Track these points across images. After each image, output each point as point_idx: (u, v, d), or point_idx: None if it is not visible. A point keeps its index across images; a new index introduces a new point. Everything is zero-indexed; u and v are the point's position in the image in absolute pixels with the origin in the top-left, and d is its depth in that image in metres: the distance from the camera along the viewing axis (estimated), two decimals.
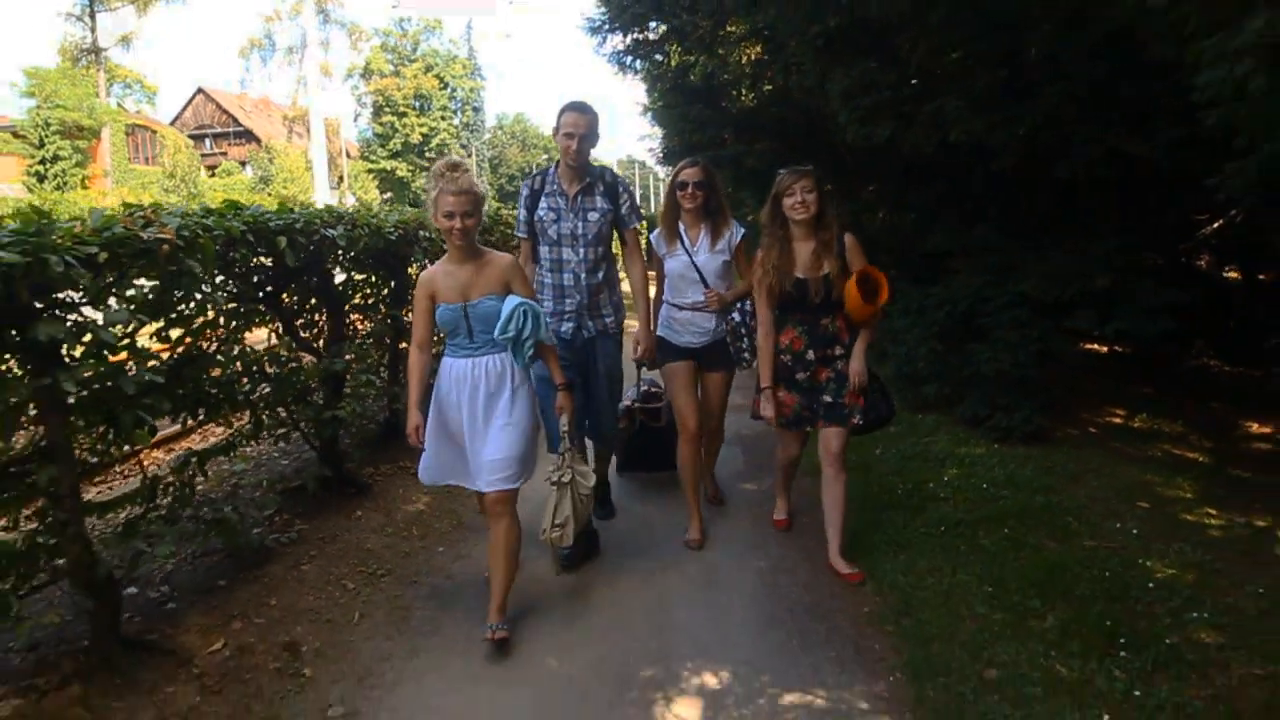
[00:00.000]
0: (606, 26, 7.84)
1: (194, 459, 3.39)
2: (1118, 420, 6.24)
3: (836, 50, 4.86)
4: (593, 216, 4.13)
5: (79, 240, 2.53)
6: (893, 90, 4.60)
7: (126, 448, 2.97)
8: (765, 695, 2.95)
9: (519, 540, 3.43)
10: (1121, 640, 3.04)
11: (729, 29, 6.48)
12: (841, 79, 4.83)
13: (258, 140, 49.17)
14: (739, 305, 4.37)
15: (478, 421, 3.33)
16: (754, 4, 5.02)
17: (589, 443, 4.26)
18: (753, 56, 6.95)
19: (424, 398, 3.39)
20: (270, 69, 68.47)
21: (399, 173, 52.35)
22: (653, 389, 5.11)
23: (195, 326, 3.22)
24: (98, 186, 35.34)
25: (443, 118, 54.93)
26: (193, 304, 3.16)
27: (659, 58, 8.06)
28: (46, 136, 32.88)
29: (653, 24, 7.70)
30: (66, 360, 2.55)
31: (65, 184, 33.29)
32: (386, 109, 52.81)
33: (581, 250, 4.12)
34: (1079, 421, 6.12)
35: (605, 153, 76.54)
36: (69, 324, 2.51)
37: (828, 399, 3.93)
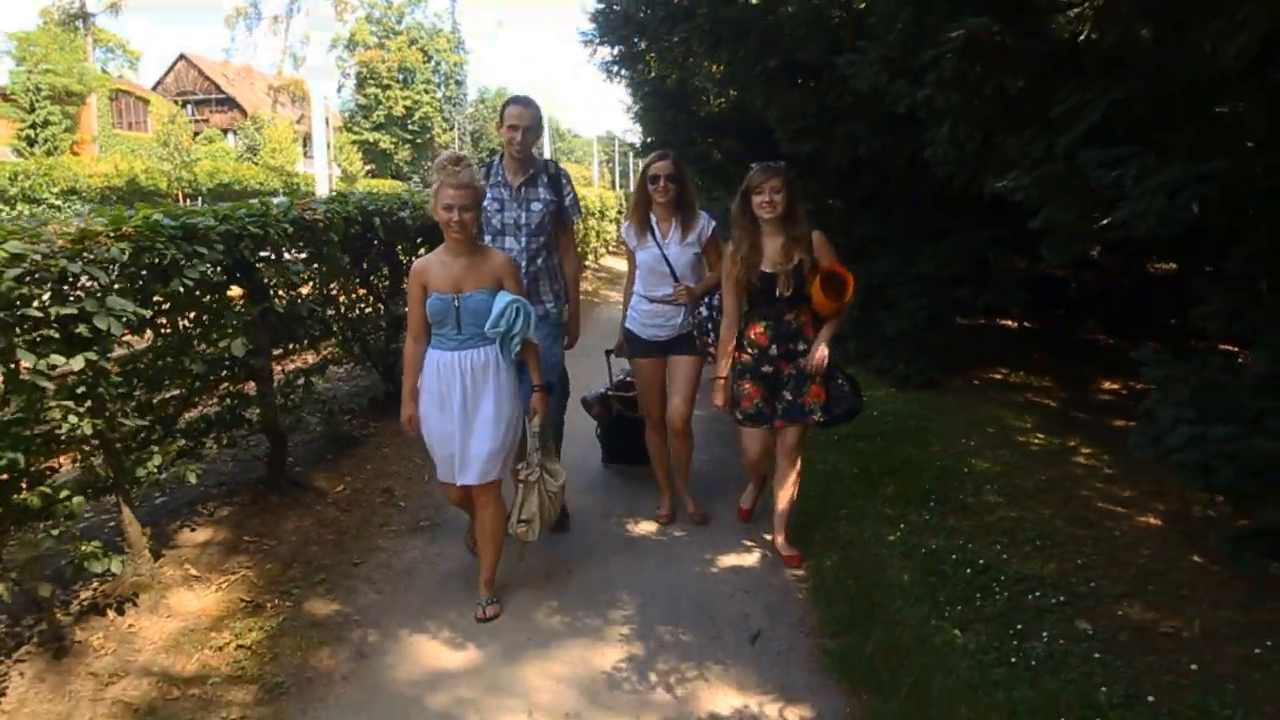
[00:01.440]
0: (596, 40, 9.38)
1: (312, 372, 4.99)
2: (999, 376, 7.92)
3: (775, 82, 6.46)
4: (535, 207, 4.31)
5: (276, 220, 4.08)
6: (815, 116, 6.20)
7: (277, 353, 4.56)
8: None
9: (505, 522, 3.69)
10: (933, 499, 4.70)
11: (697, 49, 8.03)
12: (778, 105, 6.45)
13: (240, 108, 50.05)
14: (707, 299, 4.49)
15: (464, 413, 3.46)
16: (715, 46, 6.60)
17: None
18: (716, 72, 8.52)
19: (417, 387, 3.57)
20: (255, 37, 68.85)
21: (382, 145, 53.50)
22: (628, 378, 5.15)
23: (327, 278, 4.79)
24: (86, 151, 36.32)
25: (426, 91, 56.10)
26: (327, 264, 4.71)
27: (640, 67, 9.64)
28: (37, 101, 33.84)
29: (635, 40, 9.25)
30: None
31: (55, 148, 34.28)
32: (371, 81, 53.86)
33: (524, 239, 4.27)
34: (969, 376, 7.79)
35: (587, 128, 77.67)
36: (272, 270, 4.08)
37: (788, 396, 4.07)
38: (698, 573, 4.11)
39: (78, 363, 2.74)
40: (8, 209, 28.07)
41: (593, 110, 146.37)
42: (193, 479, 3.63)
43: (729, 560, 4.28)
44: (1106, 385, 8.02)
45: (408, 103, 54.39)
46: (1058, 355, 9.15)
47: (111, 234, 2.95)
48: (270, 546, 3.96)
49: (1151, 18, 2.51)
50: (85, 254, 2.84)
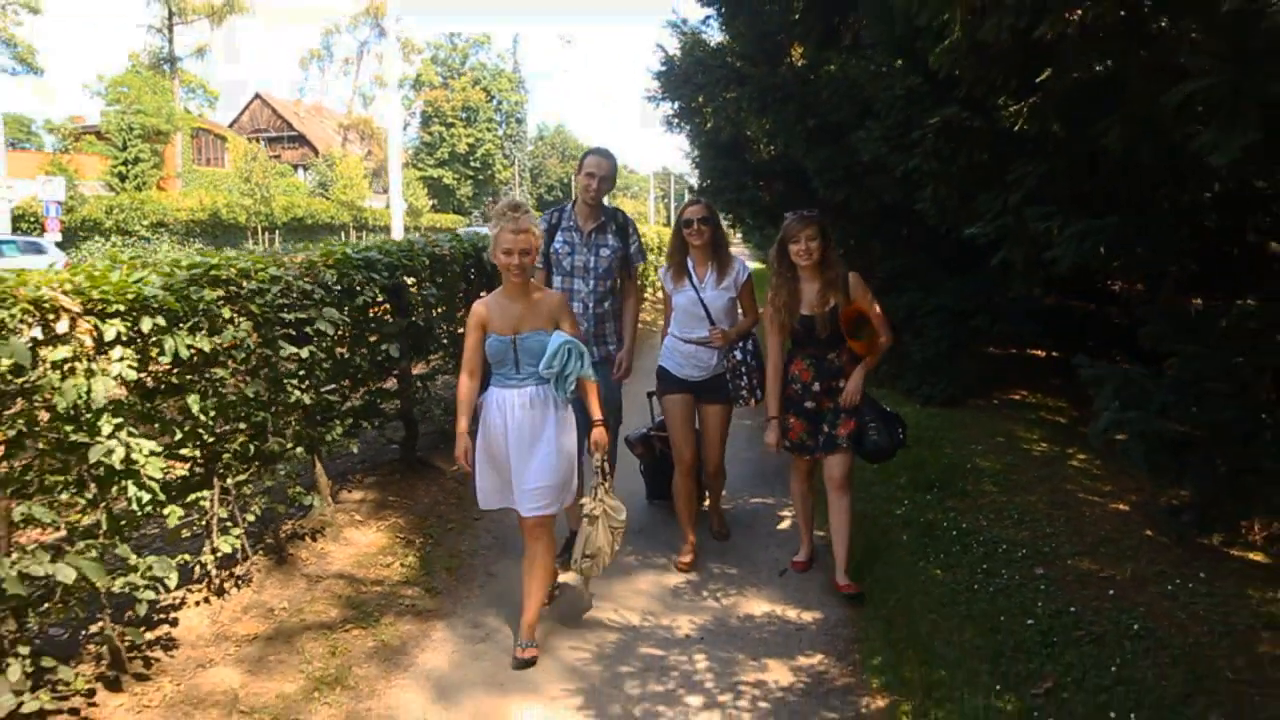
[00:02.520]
0: (659, 97, 10.67)
1: (430, 376, 6.21)
2: (1017, 398, 8.90)
3: (813, 139, 7.63)
4: (604, 252, 4.57)
5: (418, 254, 5.32)
6: (845, 169, 7.34)
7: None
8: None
9: (554, 561, 3.90)
10: (937, 487, 5.74)
11: (747, 109, 9.25)
12: (815, 158, 7.62)
13: (310, 145, 52.71)
14: (741, 344, 4.57)
15: (521, 449, 3.59)
16: (763, 108, 7.81)
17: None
18: (765, 126, 9.72)
19: (472, 423, 3.68)
20: (326, 79, 72.31)
21: (445, 180, 55.77)
22: None
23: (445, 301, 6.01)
24: (170, 186, 38.77)
25: (488, 129, 58.42)
26: (448, 290, 5.94)
27: (698, 120, 10.90)
28: (129, 140, 36.25)
29: (694, 97, 10.52)
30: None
31: (144, 184, 36.65)
32: (435, 119, 56.29)
33: (591, 282, 4.54)
34: (989, 397, 8.78)
35: (644, 164, 79.73)
36: (415, 294, 5.32)
37: (826, 429, 4.32)
38: (741, 538, 5.22)
39: (304, 353, 3.99)
40: (103, 240, 30.37)
41: (649, 147, 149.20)
42: (354, 449, 4.89)
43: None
44: None
45: (470, 140, 56.84)
46: (1076, 381, 10.11)
47: (325, 264, 4.21)
48: (409, 504, 5.18)
49: (1061, 116, 3.60)
50: (309, 277, 4.10)
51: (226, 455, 3.66)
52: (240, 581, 3.91)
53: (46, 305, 2.61)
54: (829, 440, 4.30)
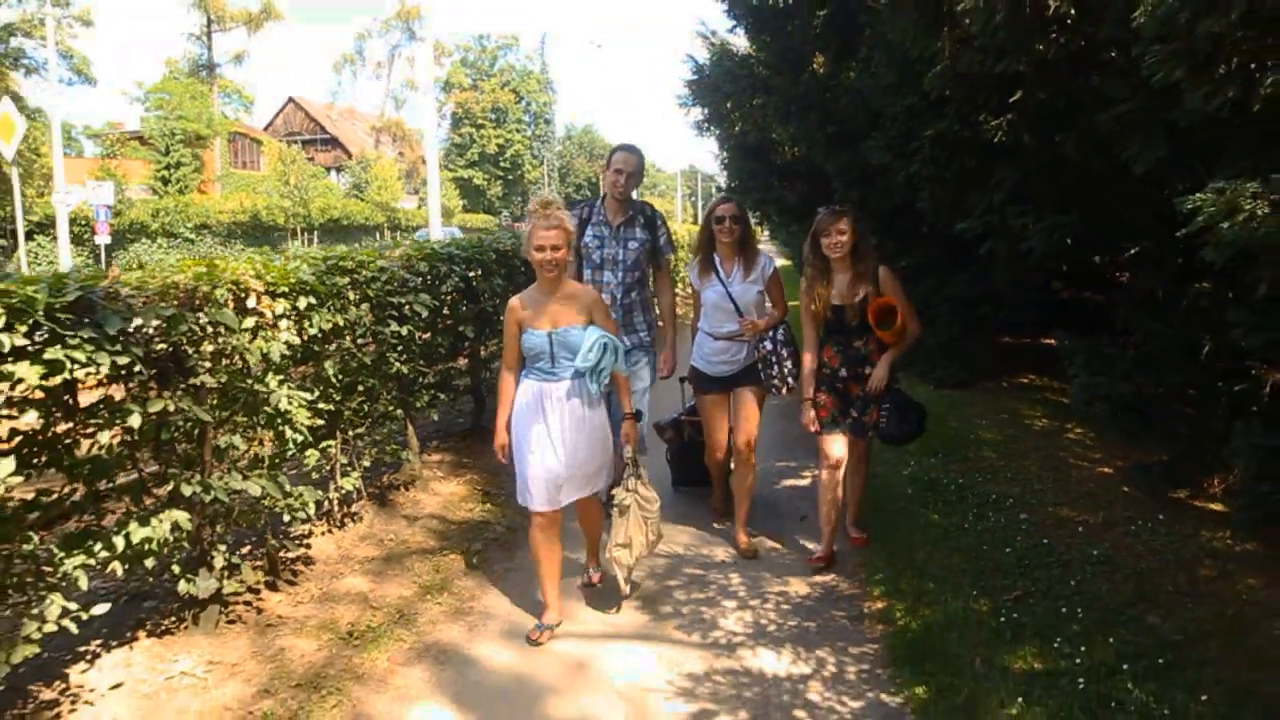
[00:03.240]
0: (691, 102, 11.49)
1: (493, 359, 7.06)
2: (1025, 381, 9.64)
3: (832, 143, 8.41)
4: (632, 245, 4.79)
5: (487, 249, 6.17)
6: (861, 171, 8.11)
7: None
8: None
9: (602, 515, 4.17)
10: (941, 453, 6.52)
11: (772, 115, 10.03)
12: (834, 161, 8.40)
13: (343, 147, 53.97)
14: (770, 334, 4.66)
15: (558, 439, 3.73)
16: (787, 115, 8.60)
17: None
18: (789, 131, 10.51)
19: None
20: (360, 83, 73.80)
21: (475, 181, 56.91)
22: None
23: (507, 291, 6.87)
24: (210, 190, 40.06)
25: (517, 130, 59.50)
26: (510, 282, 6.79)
27: (726, 125, 11.70)
28: (172, 145, 37.51)
29: (723, 103, 11.32)
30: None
31: (185, 188, 37.94)
32: (465, 121, 57.44)
33: (620, 274, 4.76)
34: (999, 380, 9.52)
35: (670, 162, 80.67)
36: (483, 283, 6.18)
37: (854, 414, 4.56)
38: (766, 492, 6.03)
39: (404, 330, 4.86)
40: (149, 242, 31.66)
41: (676, 146, 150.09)
42: (434, 417, 5.76)
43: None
44: None
45: (500, 141, 58.02)
46: None
47: (418, 257, 5.09)
48: (481, 465, 6.04)
49: (1031, 130, 4.38)
50: (407, 268, 4.97)
51: (347, 412, 4.55)
52: (354, 518, 4.79)
53: (241, 285, 3.49)
54: (856, 425, 4.57)
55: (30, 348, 2.55)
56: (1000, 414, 7.97)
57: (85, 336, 2.69)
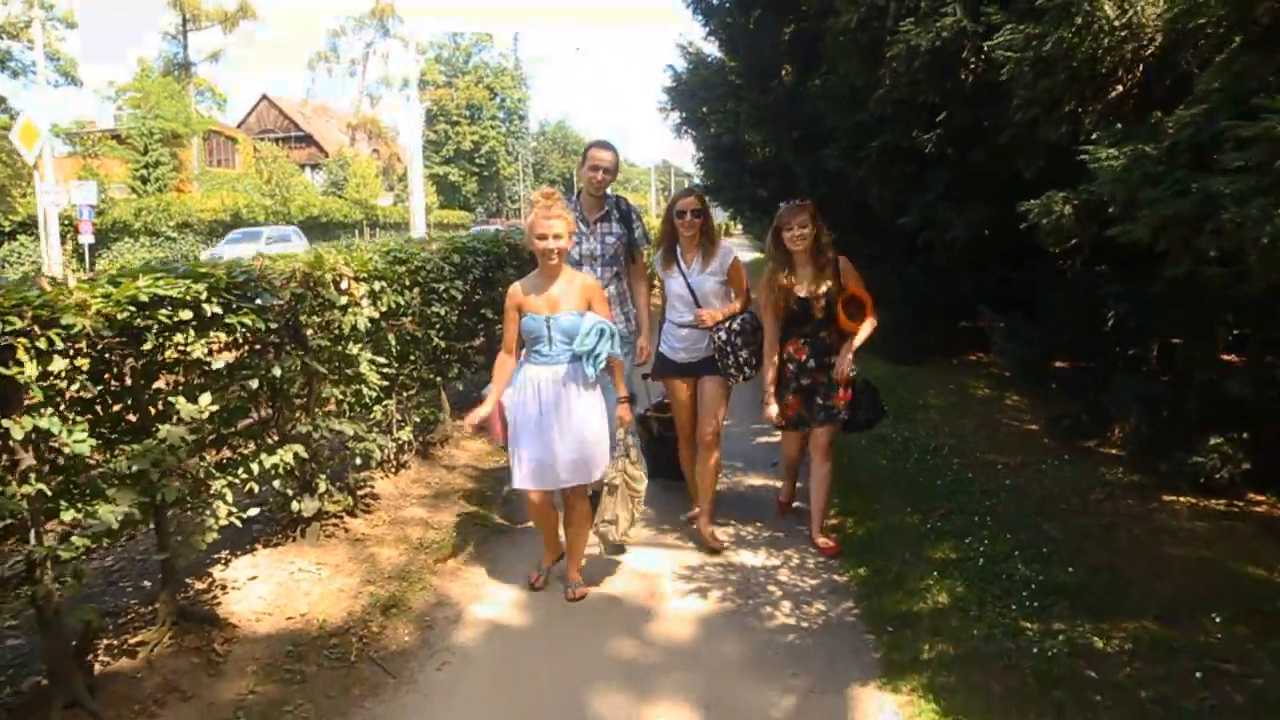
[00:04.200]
0: (669, 107, 12.58)
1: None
2: (972, 359, 10.81)
3: (799, 146, 9.53)
4: (609, 239, 4.94)
5: (501, 243, 7.20)
6: (823, 172, 9.22)
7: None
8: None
9: (592, 516, 4.24)
10: (891, 415, 7.64)
11: (744, 120, 11.12)
12: (801, 162, 9.52)
13: (317, 144, 54.51)
14: (727, 325, 4.69)
15: (554, 422, 3.90)
16: (758, 121, 9.71)
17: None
18: (760, 135, 11.62)
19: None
20: (334, 80, 74.26)
21: (451, 177, 57.67)
22: (664, 399, 5.41)
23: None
24: (188, 189, 40.59)
25: (491, 126, 60.30)
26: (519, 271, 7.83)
27: (702, 127, 12.81)
28: (150, 144, 37.99)
29: (700, 108, 12.42)
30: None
31: (164, 186, 38.45)
32: (440, 118, 58.14)
33: (599, 269, 4.88)
34: (950, 358, 10.68)
35: (643, 157, 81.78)
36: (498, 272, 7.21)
37: (820, 401, 4.70)
38: (743, 448, 7.11)
39: (442, 310, 5.90)
40: (132, 240, 32.26)
41: (649, 141, 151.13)
42: (460, 386, 6.80)
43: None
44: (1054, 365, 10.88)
45: (475, 137, 58.87)
46: None
47: (452, 250, 6.13)
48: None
49: (953, 144, 5.49)
50: (445, 259, 6.01)
51: (402, 377, 5.58)
52: (405, 466, 5.84)
53: (337, 272, 4.52)
54: (824, 410, 4.71)
55: (220, 315, 3.58)
56: (947, 385, 9.12)
57: (247, 308, 3.73)
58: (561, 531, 4.43)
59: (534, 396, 3.93)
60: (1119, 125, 3.21)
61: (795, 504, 5.48)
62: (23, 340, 2.60)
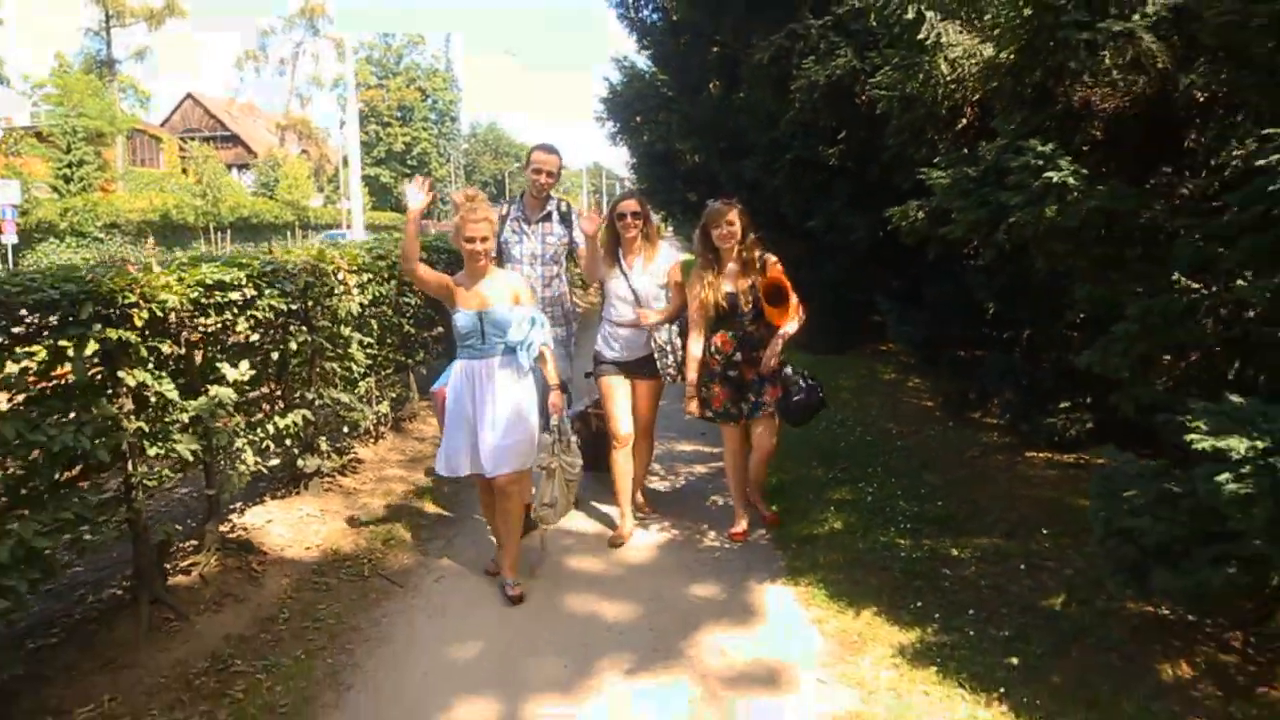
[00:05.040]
0: (605, 116, 13.56)
1: None
2: (885, 349, 12.00)
3: (724, 155, 10.58)
4: (550, 240, 5.13)
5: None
6: (745, 179, 10.28)
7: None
8: None
9: (525, 511, 4.43)
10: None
11: (675, 130, 12.13)
12: (726, 170, 10.58)
13: (244, 144, 54.16)
14: (667, 326, 4.91)
15: (489, 412, 4.07)
16: (688, 132, 10.74)
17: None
18: (689, 144, 12.66)
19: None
20: (264, 78, 73.57)
21: (382, 179, 57.79)
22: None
23: None
24: (112, 188, 40.15)
25: (423, 128, 60.56)
26: None
27: (636, 135, 13.82)
28: (74, 143, 37.46)
29: (634, 118, 13.41)
30: None
31: (88, 186, 37.97)
32: (371, 118, 58.19)
33: (539, 268, 5.10)
34: (864, 349, 11.85)
35: (575, 159, 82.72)
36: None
37: (752, 398, 4.85)
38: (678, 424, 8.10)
39: (413, 301, 6.76)
40: (58, 241, 31.99)
41: (580, 143, 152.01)
42: (424, 371, 7.68)
43: None
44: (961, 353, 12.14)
45: (406, 139, 59.14)
46: None
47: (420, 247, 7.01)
48: None
49: (853, 158, 6.56)
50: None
51: (380, 358, 6.44)
52: (381, 436, 6.70)
53: (335, 265, 5.39)
54: (756, 407, 4.87)
55: (255, 297, 4.44)
56: (859, 371, 10.26)
57: (273, 292, 4.59)
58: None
59: (468, 388, 4.14)
60: (964, 151, 4.26)
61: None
62: (135, 310, 3.45)
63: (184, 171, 42.51)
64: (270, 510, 5.17)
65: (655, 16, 11.73)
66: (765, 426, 4.93)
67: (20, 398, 3.10)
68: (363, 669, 3.63)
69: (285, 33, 53.65)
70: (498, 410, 4.09)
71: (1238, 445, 2.51)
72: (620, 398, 5.09)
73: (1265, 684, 3.33)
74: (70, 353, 3.21)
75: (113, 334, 3.35)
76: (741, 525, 5.03)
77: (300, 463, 5.29)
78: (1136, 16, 3.06)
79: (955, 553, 4.67)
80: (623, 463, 5.12)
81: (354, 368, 5.74)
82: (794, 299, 4.71)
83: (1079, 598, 4.05)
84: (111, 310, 3.38)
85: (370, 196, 56.80)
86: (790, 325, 4.77)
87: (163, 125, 54.38)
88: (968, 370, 7.43)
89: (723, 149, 10.49)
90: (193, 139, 54.03)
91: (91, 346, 3.29)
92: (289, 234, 42.81)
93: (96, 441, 3.25)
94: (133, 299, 3.46)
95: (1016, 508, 5.36)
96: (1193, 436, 2.63)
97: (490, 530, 4.71)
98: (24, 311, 3.04)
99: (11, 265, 28.30)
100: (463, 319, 4.10)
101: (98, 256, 31.90)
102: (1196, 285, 3.10)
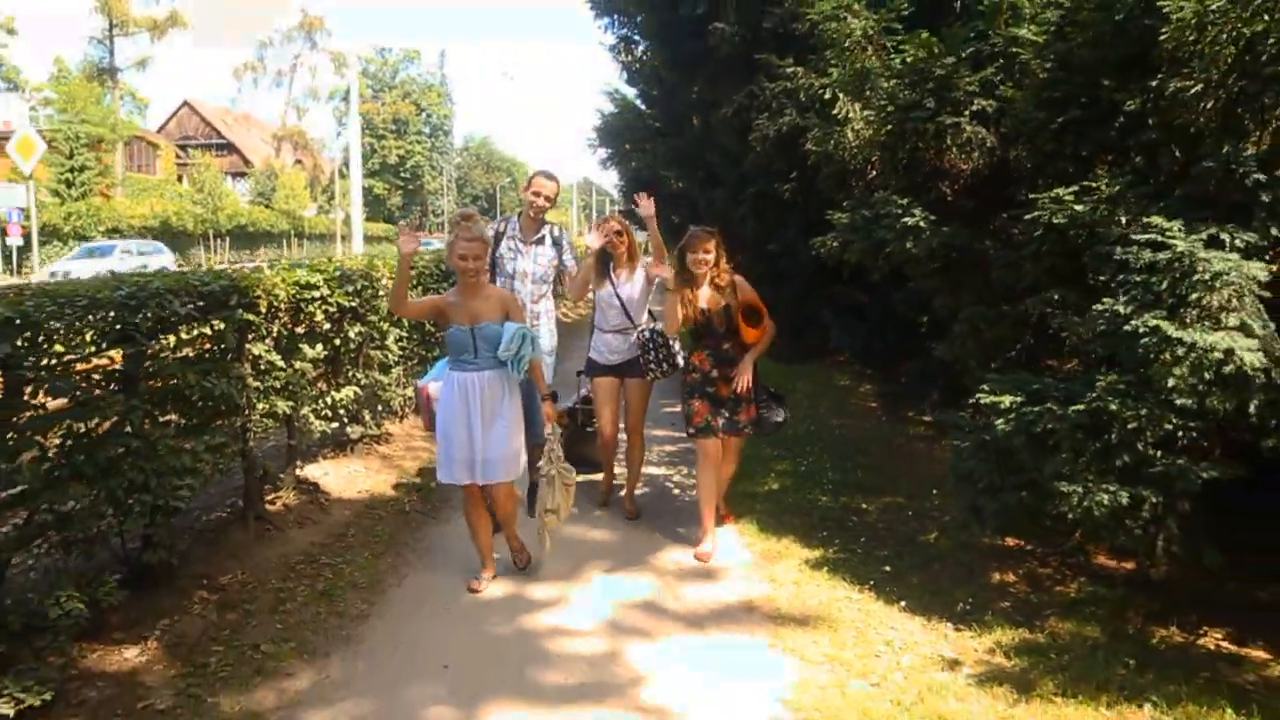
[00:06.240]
0: (596, 143, 15.03)
1: None
2: (842, 359, 13.44)
3: (703, 184, 12.04)
4: (543, 260, 5.52)
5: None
6: (722, 205, 11.73)
7: None
8: None
9: (517, 505, 4.86)
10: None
11: (660, 159, 13.58)
12: (704, 196, 12.05)
13: (239, 153, 55.52)
14: (650, 326, 5.53)
15: (482, 424, 4.32)
16: (670, 162, 12.21)
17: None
18: (674, 171, 14.12)
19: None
20: (260, 90, 74.88)
21: (376, 190, 59.19)
22: (589, 392, 6.14)
23: None
24: (111, 194, 41.37)
25: (417, 141, 62.07)
26: None
27: (626, 161, 15.30)
28: (76, 149, 38.66)
29: (624, 145, 14.87)
30: None
31: (88, 191, 39.17)
32: (366, 131, 59.62)
33: (530, 285, 5.47)
34: (825, 359, 13.29)
35: (565, 174, 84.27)
36: None
37: (726, 414, 5.17)
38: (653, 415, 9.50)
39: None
40: (61, 245, 33.20)
41: (570, 158, 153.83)
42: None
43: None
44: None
45: (400, 151, 60.60)
46: None
47: (438, 259, 8.43)
48: None
49: (803, 194, 8.00)
50: (435, 265, 8.31)
51: (407, 350, 7.84)
52: (404, 416, 8.08)
53: (380, 270, 6.79)
54: (730, 424, 5.21)
55: (330, 294, 5.85)
56: (817, 377, 11.70)
57: (340, 292, 6.00)
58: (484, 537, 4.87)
59: (460, 400, 4.37)
60: (872, 194, 5.69)
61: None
62: (259, 299, 4.86)
63: (179, 178, 43.71)
64: (325, 467, 6.54)
65: (645, 56, 13.22)
66: (737, 443, 5.42)
67: (192, 354, 4.50)
68: (414, 566, 5.07)
69: (283, 45, 55.12)
70: (489, 423, 4.36)
71: (1004, 399, 3.95)
72: (610, 399, 5.75)
73: (1061, 585, 4.76)
74: (221, 328, 4.61)
75: (247, 316, 4.76)
76: (708, 546, 5.24)
77: (349, 430, 6.68)
78: (966, 114, 4.52)
79: (864, 506, 6.10)
80: (610, 452, 6.08)
81: (390, 356, 7.14)
82: (767, 319, 5.15)
83: (947, 535, 5.46)
84: (245, 299, 4.78)
85: (364, 207, 58.19)
86: (761, 341, 5.19)
87: (159, 131, 55.58)
88: (898, 373, 8.87)
89: (701, 178, 11.95)
90: (188, 146, 55.44)
91: (233, 324, 4.70)
92: (284, 242, 44.12)
93: (236, 390, 4.65)
94: (258, 292, 4.87)
95: (924, 478, 6.76)
96: (980, 395, 4.07)
97: (471, 538, 4.87)
98: (200, 300, 4.43)
99: (15, 268, 29.55)
100: (455, 334, 4.34)
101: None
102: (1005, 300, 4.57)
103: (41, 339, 3.54)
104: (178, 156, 50.60)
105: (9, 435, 3.39)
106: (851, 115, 5.23)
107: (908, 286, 7.26)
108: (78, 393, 3.75)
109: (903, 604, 4.51)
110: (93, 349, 3.88)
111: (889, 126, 4.78)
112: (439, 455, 4.57)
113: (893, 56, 4.89)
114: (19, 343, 3.39)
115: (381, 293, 6.82)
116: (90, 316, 3.75)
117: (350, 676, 3.80)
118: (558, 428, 4.95)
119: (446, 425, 4.41)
